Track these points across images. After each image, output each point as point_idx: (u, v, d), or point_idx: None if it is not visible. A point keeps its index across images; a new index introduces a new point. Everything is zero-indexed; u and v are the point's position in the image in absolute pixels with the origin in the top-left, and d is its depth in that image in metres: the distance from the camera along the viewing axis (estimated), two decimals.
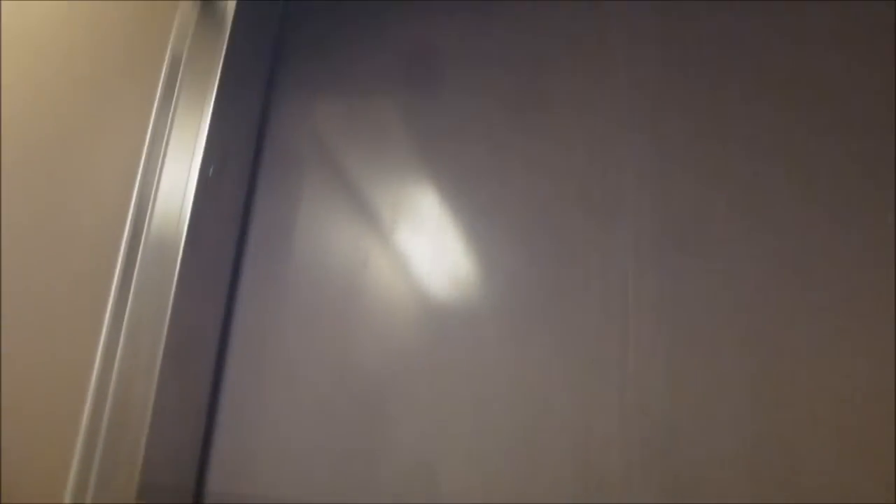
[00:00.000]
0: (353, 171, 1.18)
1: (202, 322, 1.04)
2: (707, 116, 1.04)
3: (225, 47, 1.04)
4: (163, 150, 1.00)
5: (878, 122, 0.97)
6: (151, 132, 1.01)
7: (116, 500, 0.89)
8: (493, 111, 1.14)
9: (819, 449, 0.88)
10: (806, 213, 0.97)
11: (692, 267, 0.98)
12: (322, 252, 1.14)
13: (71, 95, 0.90)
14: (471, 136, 1.13)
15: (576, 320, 1.00)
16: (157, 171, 0.99)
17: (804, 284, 0.94)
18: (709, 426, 0.92)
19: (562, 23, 1.15)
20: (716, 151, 1.02)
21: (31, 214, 0.86)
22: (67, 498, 0.88)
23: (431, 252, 1.10)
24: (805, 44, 1.04)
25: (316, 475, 1.03)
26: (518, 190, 1.08)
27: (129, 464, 0.89)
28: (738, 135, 1.02)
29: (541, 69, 1.14)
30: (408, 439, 1.01)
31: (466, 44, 1.19)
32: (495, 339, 1.03)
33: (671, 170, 1.03)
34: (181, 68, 1.04)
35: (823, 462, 0.87)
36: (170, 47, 1.05)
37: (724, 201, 1.00)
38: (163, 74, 1.03)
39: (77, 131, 0.92)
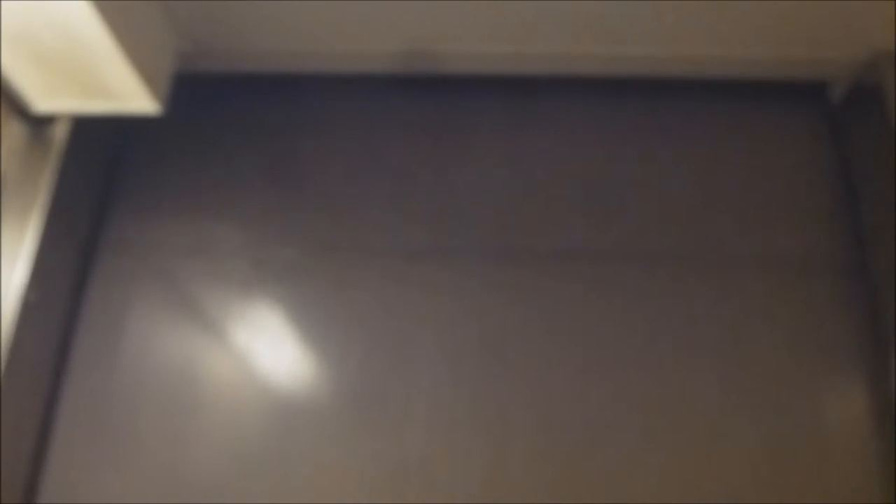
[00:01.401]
0: (189, 283, 1.18)
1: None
2: None
3: (55, 171, 1.02)
4: None
5: None
6: None
7: None
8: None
9: None
10: None
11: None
12: (153, 356, 1.12)
13: None
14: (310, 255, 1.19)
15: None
16: None
17: None
18: None
19: None
20: None
21: None
22: None
23: (264, 352, 1.13)
24: None
25: None
26: (347, 301, 1.16)
27: None
28: None
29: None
30: None
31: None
32: (324, 434, 1.08)
33: None
34: (3, 190, 0.99)
35: None
36: None
37: None
38: None
39: None
